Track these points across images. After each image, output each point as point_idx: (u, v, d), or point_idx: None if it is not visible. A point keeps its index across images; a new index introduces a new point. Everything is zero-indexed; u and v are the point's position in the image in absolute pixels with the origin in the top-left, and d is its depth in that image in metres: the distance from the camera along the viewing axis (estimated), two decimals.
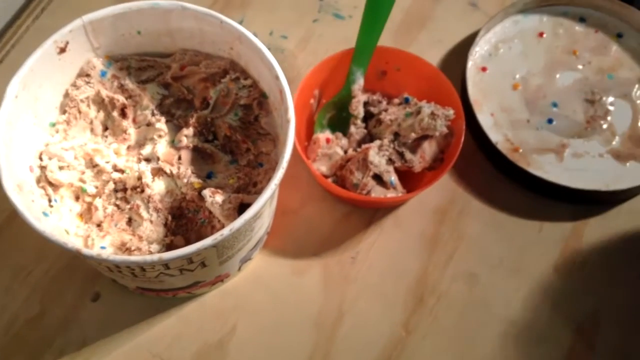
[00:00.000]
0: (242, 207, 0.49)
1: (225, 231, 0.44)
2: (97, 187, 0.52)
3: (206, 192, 0.49)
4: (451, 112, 0.56)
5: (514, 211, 0.61)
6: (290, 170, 0.50)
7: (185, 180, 0.51)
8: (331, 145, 0.59)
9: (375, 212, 0.60)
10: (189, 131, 0.52)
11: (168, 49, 0.55)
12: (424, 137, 0.58)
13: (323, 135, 0.60)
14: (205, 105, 0.54)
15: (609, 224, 0.60)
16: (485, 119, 0.63)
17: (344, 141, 0.60)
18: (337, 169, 0.59)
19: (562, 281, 0.58)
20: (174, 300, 0.56)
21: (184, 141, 0.52)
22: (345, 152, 0.59)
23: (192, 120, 0.52)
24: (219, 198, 0.48)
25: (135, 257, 0.43)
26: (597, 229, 0.60)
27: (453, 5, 0.71)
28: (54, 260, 0.57)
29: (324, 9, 0.70)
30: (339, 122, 0.61)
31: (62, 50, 0.50)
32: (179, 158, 0.52)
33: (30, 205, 0.47)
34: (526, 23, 0.68)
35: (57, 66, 0.51)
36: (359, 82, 0.60)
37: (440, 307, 0.57)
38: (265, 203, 0.45)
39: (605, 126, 0.64)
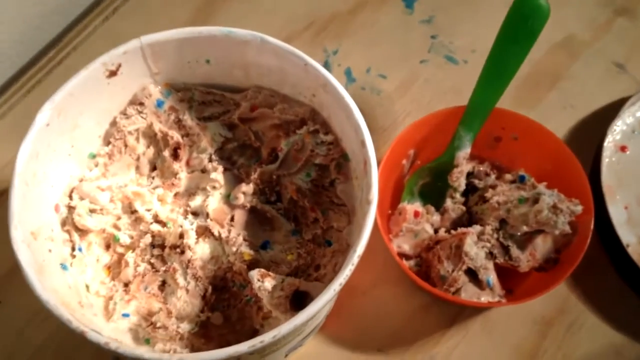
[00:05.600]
0: (297, 294, 0.39)
1: (267, 337, 0.34)
2: (132, 238, 0.43)
3: (254, 274, 0.39)
4: (579, 207, 0.44)
5: (636, 333, 0.48)
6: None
7: (234, 249, 0.41)
8: (419, 221, 0.48)
9: (462, 310, 0.49)
10: (248, 188, 0.43)
11: (241, 83, 0.45)
12: (538, 231, 0.46)
13: (411, 207, 0.49)
14: (274, 158, 0.44)
15: None
16: (617, 213, 0.51)
17: (436, 217, 0.49)
18: (422, 249, 0.48)
19: None
20: None
21: (241, 199, 0.43)
22: (436, 231, 0.49)
23: (254, 175, 0.43)
24: (269, 284, 0.39)
25: (150, 354, 0.34)
26: None
27: (594, 63, 0.58)
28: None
29: (436, 49, 0.59)
30: (433, 193, 0.50)
31: (113, 74, 0.42)
32: (232, 219, 0.43)
33: (44, 256, 0.38)
34: None
35: (105, 91, 0.42)
36: (465, 150, 0.49)
37: None
38: (324, 305, 0.35)
39: None
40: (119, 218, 0.43)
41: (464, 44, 0.59)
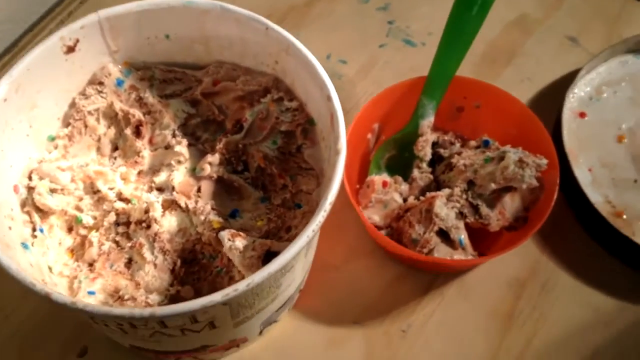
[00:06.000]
0: (269, 257, 0.39)
1: (241, 286, 0.33)
2: (95, 219, 0.42)
3: (224, 234, 0.38)
4: (544, 161, 0.45)
5: (613, 291, 0.48)
6: (335, 217, 0.40)
7: (202, 218, 0.41)
8: (388, 190, 0.48)
9: (436, 277, 0.49)
10: (214, 158, 0.42)
11: (201, 59, 0.45)
12: (505, 189, 0.46)
13: (379, 178, 0.49)
14: (239, 128, 0.44)
15: None
16: (581, 175, 0.51)
17: (404, 187, 0.49)
18: (393, 219, 0.48)
19: None
20: None
21: (207, 169, 0.42)
22: (405, 200, 0.48)
23: (219, 145, 0.43)
24: (240, 243, 0.38)
25: (120, 310, 0.33)
26: None
27: (548, 39, 0.60)
28: (40, 301, 0.47)
29: (393, 33, 0.60)
30: (400, 165, 0.50)
31: (70, 50, 0.41)
32: (198, 190, 0.42)
33: (4, 232, 0.37)
34: (637, 65, 0.57)
35: (63, 69, 0.42)
36: (429, 118, 0.50)
37: None
38: (297, 253, 0.35)
39: None
40: (80, 199, 0.42)
41: (421, 28, 0.60)
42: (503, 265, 0.49)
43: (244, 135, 0.43)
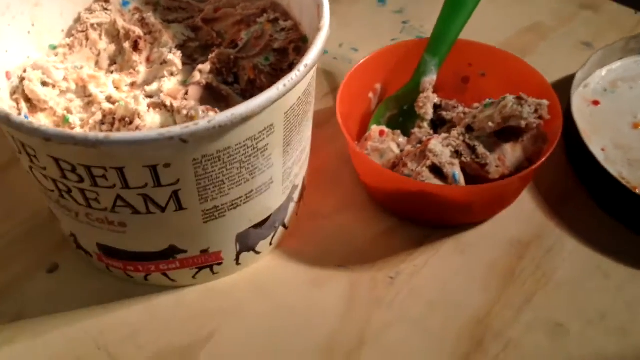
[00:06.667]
0: None
1: (202, 121, 0.32)
2: (82, 121, 0.42)
3: (199, 108, 0.37)
4: (545, 101, 0.43)
5: (623, 258, 0.44)
6: (329, 172, 0.44)
7: (185, 112, 0.40)
8: (385, 139, 0.47)
9: (432, 232, 0.45)
10: (204, 66, 0.42)
11: None
12: (506, 138, 0.44)
13: (376, 127, 0.47)
14: (234, 47, 0.44)
15: None
16: (595, 153, 0.48)
17: (402, 139, 0.47)
18: (389, 168, 0.46)
19: None
20: (145, 287, 0.42)
21: (197, 76, 0.42)
22: (402, 151, 0.47)
23: (211, 56, 0.42)
24: (214, 114, 0.36)
25: (74, 132, 0.32)
26: None
27: (562, 43, 0.60)
28: (16, 224, 0.46)
29: (407, 31, 0.61)
30: (401, 124, 0.49)
31: None
32: (186, 93, 0.41)
33: None
34: None
35: None
36: (431, 76, 0.49)
37: (507, 357, 0.39)
38: (267, 104, 0.33)
39: None
40: (71, 101, 0.42)
41: None
42: (505, 227, 0.46)
43: (237, 51, 0.43)
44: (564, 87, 0.55)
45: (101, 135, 0.31)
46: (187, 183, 0.35)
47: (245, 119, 0.33)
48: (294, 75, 0.34)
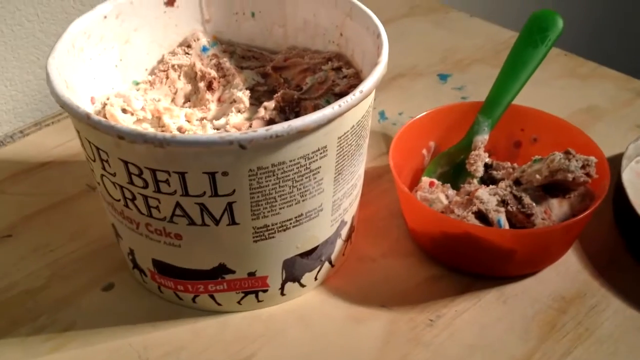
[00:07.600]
0: None
1: (261, 130, 0.34)
2: None
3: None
4: (592, 158, 0.44)
5: None
6: (380, 222, 0.48)
7: None
8: (434, 190, 0.48)
9: (475, 281, 0.46)
10: (269, 104, 0.46)
11: (278, 45, 0.51)
12: (553, 194, 0.45)
13: (427, 179, 0.49)
14: (298, 90, 0.47)
15: None
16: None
17: (451, 192, 0.49)
18: None
19: None
20: (192, 311, 0.44)
21: (262, 112, 0.45)
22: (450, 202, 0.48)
23: (276, 95, 0.46)
24: None
25: (144, 130, 0.35)
26: None
27: (618, 124, 0.61)
28: (82, 245, 0.49)
29: None
30: (452, 180, 0.51)
31: (170, 3, 0.48)
32: (250, 126, 0.45)
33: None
34: None
35: (160, 21, 0.48)
36: (484, 135, 0.51)
37: None
38: (322, 122, 0.36)
39: None
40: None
41: None
42: (549, 283, 0.46)
43: (301, 93, 0.47)
44: (616, 161, 0.56)
45: (168, 135, 0.34)
46: (241, 195, 0.37)
47: (300, 132, 0.35)
48: (349, 98, 0.37)
